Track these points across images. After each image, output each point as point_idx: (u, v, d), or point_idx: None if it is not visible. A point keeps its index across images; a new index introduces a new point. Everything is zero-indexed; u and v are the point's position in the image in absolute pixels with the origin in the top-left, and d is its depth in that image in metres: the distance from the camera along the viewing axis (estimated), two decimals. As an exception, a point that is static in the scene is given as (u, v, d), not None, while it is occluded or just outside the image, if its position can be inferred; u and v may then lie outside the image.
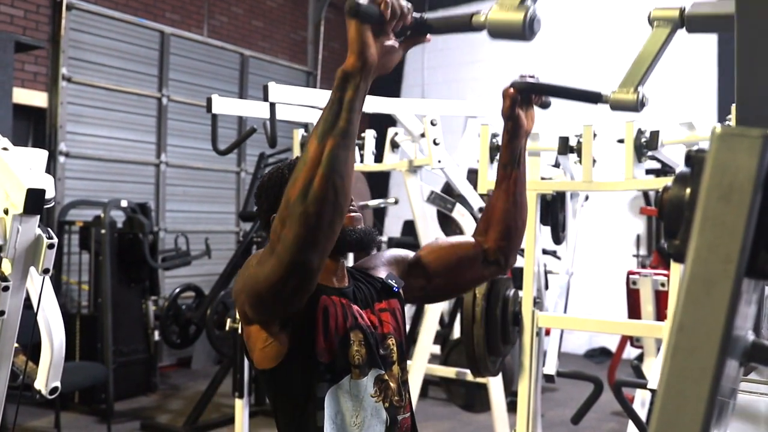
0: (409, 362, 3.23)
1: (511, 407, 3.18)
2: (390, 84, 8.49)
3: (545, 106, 1.52)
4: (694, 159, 0.63)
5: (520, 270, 2.87)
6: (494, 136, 2.97)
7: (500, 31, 1.12)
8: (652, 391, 2.70)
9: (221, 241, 7.23)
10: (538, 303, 2.80)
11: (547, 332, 3.05)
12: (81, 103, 6.20)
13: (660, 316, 3.32)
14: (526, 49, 6.40)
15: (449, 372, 4.16)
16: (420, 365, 3.51)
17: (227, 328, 3.57)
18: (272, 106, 3.14)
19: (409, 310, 5.59)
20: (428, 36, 1.21)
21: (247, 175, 7.53)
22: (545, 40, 7.85)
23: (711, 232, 0.53)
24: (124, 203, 5.48)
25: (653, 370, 3.02)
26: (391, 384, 1.46)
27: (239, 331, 3.37)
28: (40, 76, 5.94)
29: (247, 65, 7.77)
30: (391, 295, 1.55)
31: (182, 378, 6.24)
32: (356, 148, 1.13)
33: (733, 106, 2.48)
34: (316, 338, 1.37)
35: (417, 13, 1.18)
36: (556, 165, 3.38)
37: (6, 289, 1.48)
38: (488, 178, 2.87)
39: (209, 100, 3.46)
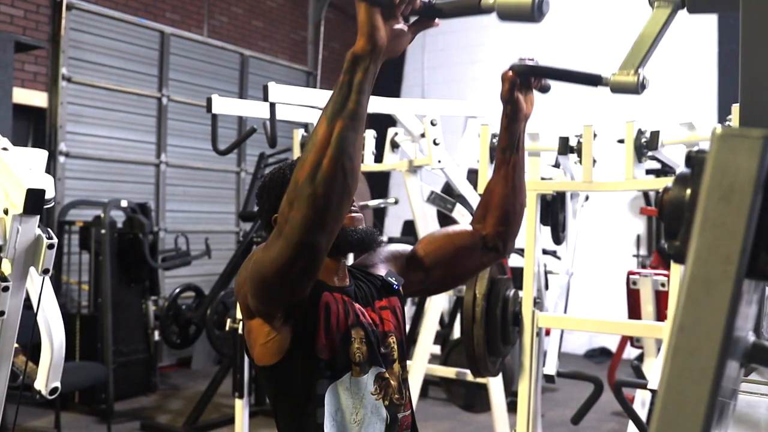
0: (409, 362, 3.23)
1: (511, 407, 3.18)
2: (390, 84, 8.49)
3: (545, 90, 1.51)
4: (694, 160, 0.63)
5: (520, 270, 2.87)
6: (494, 136, 2.96)
7: (509, 13, 1.12)
8: (653, 391, 2.70)
9: (221, 241, 7.23)
10: (538, 303, 2.80)
11: (547, 332, 3.04)
12: (81, 103, 6.20)
13: (660, 316, 3.31)
14: (527, 48, 6.39)
15: (449, 372, 4.16)
16: (420, 365, 3.51)
17: (227, 328, 3.57)
18: (272, 106, 3.14)
19: (409, 310, 5.59)
20: (437, 20, 1.22)
21: (247, 175, 7.53)
22: (546, 37, 7.87)
23: (711, 233, 0.53)
24: (124, 203, 5.47)
25: (653, 370, 3.02)
26: (392, 382, 1.46)
27: (239, 331, 3.37)
28: (40, 76, 5.94)
29: (247, 65, 7.77)
30: (391, 292, 1.56)
31: (182, 378, 6.24)
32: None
33: (734, 106, 2.49)
34: (317, 335, 1.37)
35: None
36: (556, 165, 3.38)
37: (6, 289, 1.48)
38: (488, 179, 2.87)
39: (209, 100, 3.46)
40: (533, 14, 1.09)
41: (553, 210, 3.03)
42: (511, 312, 2.73)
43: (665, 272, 3.38)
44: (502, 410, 3.52)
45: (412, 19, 1.20)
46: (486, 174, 2.91)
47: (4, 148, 1.55)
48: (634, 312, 3.56)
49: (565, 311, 3.29)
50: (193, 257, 5.98)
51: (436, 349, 4.86)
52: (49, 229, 1.53)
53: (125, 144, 6.58)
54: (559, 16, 7.72)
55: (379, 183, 8.04)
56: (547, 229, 3.11)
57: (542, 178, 2.97)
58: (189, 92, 7.10)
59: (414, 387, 3.35)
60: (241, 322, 3.37)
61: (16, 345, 1.59)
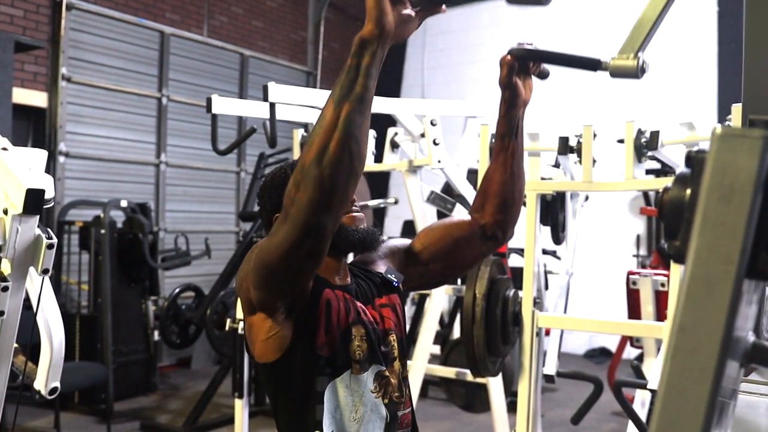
0: (409, 362, 3.23)
1: (511, 407, 3.18)
2: (390, 84, 8.50)
3: (543, 75, 1.50)
4: (694, 160, 0.63)
5: (520, 270, 2.87)
6: (494, 136, 2.97)
7: None
8: (652, 391, 2.70)
9: (221, 241, 7.23)
10: (538, 303, 2.80)
11: (547, 332, 3.04)
12: (81, 103, 6.20)
13: (660, 316, 3.31)
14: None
15: (449, 372, 4.16)
16: (420, 365, 3.51)
17: (227, 328, 3.57)
18: (272, 106, 3.14)
19: (408, 310, 5.60)
20: (443, 7, 1.22)
21: (247, 175, 7.53)
22: (546, 37, 7.86)
23: (711, 233, 0.53)
24: (123, 203, 5.47)
25: (653, 370, 3.02)
26: (392, 380, 1.46)
27: (239, 330, 3.37)
28: (39, 76, 5.94)
29: (247, 65, 7.77)
30: (391, 290, 1.56)
31: (182, 378, 6.24)
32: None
33: (734, 106, 2.48)
34: (317, 331, 1.37)
35: None
36: (556, 165, 3.38)
37: (5, 289, 1.48)
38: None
39: (209, 100, 3.46)
40: None
41: (553, 210, 3.03)
42: (511, 312, 2.73)
43: (665, 272, 3.38)
44: (502, 410, 3.52)
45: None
46: (486, 174, 2.90)
47: (4, 148, 1.55)
48: (634, 312, 3.55)
49: (565, 311, 3.29)
50: (192, 257, 5.98)
51: (436, 349, 4.86)
52: (49, 229, 1.53)
53: (125, 144, 6.58)
54: (559, 16, 7.72)
55: (379, 183, 8.04)
56: (547, 229, 3.11)
57: (542, 178, 2.97)
58: (189, 92, 7.10)
59: (414, 387, 3.35)
60: (241, 322, 3.38)
61: (15, 345, 1.59)
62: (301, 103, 3.40)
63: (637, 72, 1.17)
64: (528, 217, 2.83)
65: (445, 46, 8.70)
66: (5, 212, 1.47)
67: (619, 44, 1.18)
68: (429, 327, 3.60)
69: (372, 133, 3.90)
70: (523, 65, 1.46)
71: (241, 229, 7.41)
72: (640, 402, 3.30)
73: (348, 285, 1.48)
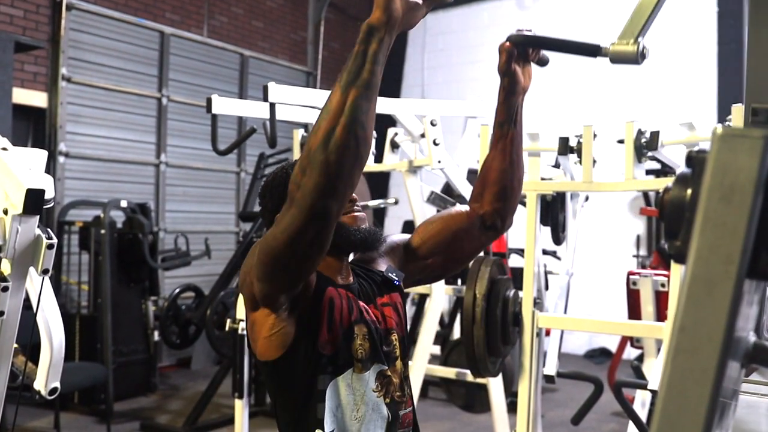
0: (409, 362, 3.23)
1: (511, 408, 3.18)
2: (390, 84, 8.50)
3: (543, 63, 1.49)
4: (695, 160, 0.63)
5: (520, 270, 2.87)
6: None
7: None
8: (653, 391, 2.69)
9: (221, 241, 7.23)
10: (538, 303, 2.80)
11: (547, 333, 3.04)
12: (81, 104, 6.20)
13: (660, 316, 3.31)
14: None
15: (449, 372, 4.16)
16: (420, 365, 3.51)
17: (227, 328, 3.56)
18: (272, 106, 3.14)
19: (409, 310, 5.59)
20: None
21: (247, 175, 7.53)
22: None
23: (712, 233, 0.53)
24: (123, 203, 5.47)
25: (653, 370, 3.02)
26: (394, 379, 1.46)
27: (239, 331, 3.36)
28: (39, 76, 5.94)
29: (247, 65, 7.77)
30: (392, 288, 1.55)
31: (182, 378, 6.23)
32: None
33: (734, 106, 2.48)
34: (320, 329, 1.37)
35: None
36: (556, 165, 3.38)
37: (5, 289, 1.48)
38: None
39: (209, 101, 3.46)
40: None
41: (553, 210, 3.03)
42: (511, 312, 2.73)
43: (665, 272, 3.38)
44: (502, 411, 3.51)
45: None
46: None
47: (4, 148, 1.55)
48: (634, 312, 3.55)
49: (565, 311, 3.29)
50: (192, 257, 5.98)
51: (436, 350, 4.86)
52: (49, 229, 1.53)
53: (125, 144, 6.58)
54: (559, 16, 7.72)
55: (379, 183, 8.04)
56: (547, 230, 3.11)
57: (542, 179, 2.97)
58: (189, 92, 7.10)
59: (414, 388, 3.35)
60: (241, 323, 3.38)
61: (15, 345, 1.59)
62: (301, 104, 3.40)
63: (637, 57, 1.16)
64: (528, 217, 2.83)
65: (445, 46, 8.70)
66: (5, 212, 1.47)
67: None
68: (429, 327, 3.59)
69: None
70: (522, 52, 1.45)
71: (241, 229, 7.41)
72: (641, 402, 3.30)
73: (350, 284, 1.48)
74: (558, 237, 3.14)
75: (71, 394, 5.01)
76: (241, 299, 3.42)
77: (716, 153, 0.54)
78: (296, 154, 3.74)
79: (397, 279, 1.55)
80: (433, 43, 8.77)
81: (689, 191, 0.64)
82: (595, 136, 2.78)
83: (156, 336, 5.55)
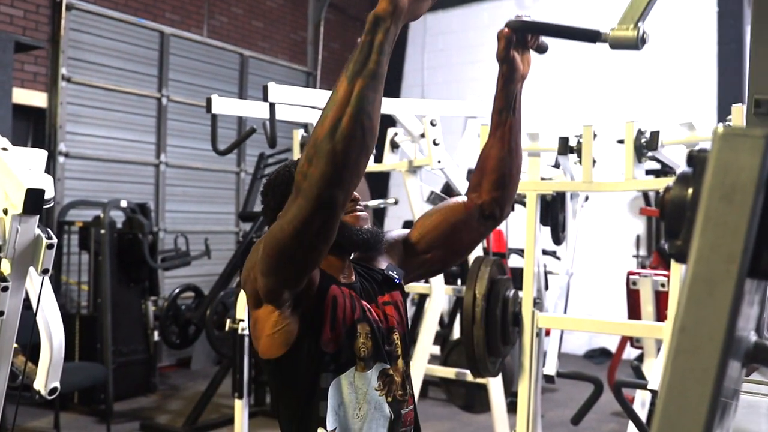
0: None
1: (511, 408, 3.18)
2: (390, 84, 8.49)
3: (542, 50, 1.48)
4: (696, 159, 0.63)
5: (520, 270, 2.87)
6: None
7: None
8: (653, 391, 2.69)
9: (221, 241, 7.23)
10: (538, 303, 2.80)
11: (547, 333, 3.04)
12: (80, 104, 6.20)
13: (660, 316, 3.31)
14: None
15: (449, 372, 4.16)
16: (420, 366, 3.50)
17: (227, 328, 3.56)
18: (272, 106, 3.14)
19: (409, 310, 5.59)
20: None
21: (246, 175, 7.53)
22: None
23: (713, 232, 0.53)
24: (123, 203, 5.47)
25: (653, 370, 3.02)
26: (396, 378, 1.46)
27: (239, 331, 3.37)
28: (39, 76, 5.94)
29: (247, 65, 7.77)
30: (393, 287, 1.55)
31: (182, 378, 6.23)
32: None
33: (734, 106, 2.48)
34: (323, 327, 1.37)
35: None
36: (556, 165, 3.38)
37: (5, 289, 1.48)
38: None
39: (209, 101, 3.46)
40: None
41: (553, 210, 3.03)
42: (511, 312, 2.73)
43: (665, 272, 3.38)
44: (502, 411, 3.51)
45: None
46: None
47: (4, 148, 1.55)
48: (634, 312, 3.55)
49: (565, 311, 3.29)
50: (192, 257, 5.98)
51: (436, 350, 4.86)
52: (49, 229, 1.53)
53: (125, 144, 6.58)
54: (559, 15, 7.71)
55: (379, 183, 8.04)
56: (547, 230, 3.11)
57: (542, 179, 2.97)
58: (189, 92, 7.10)
59: (414, 388, 3.35)
60: (241, 323, 3.37)
61: (15, 345, 1.59)
62: (301, 104, 3.40)
63: (637, 42, 1.15)
64: (528, 217, 2.83)
65: (445, 46, 8.70)
66: (5, 212, 1.47)
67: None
68: (429, 327, 3.59)
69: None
70: (521, 38, 1.44)
71: (241, 229, 7.41)
72: (640, 402, 3.30)
73: (353, 283, 1.48)
74: (558, 237, 3.14)
75: (71, 394, 5.01)
76: (241, 299, 3.42)
77: (717, 152, 0.54)
78: (296, 154, 3.74)
79: (397, 277, 1.55)
80: (433, 43, 8.77)
81: (690, 190, 0.64)
82: (595, 136, 2.78)
83: (156, 336, 5.55)
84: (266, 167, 5.64)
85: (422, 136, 3.53)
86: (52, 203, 1.53)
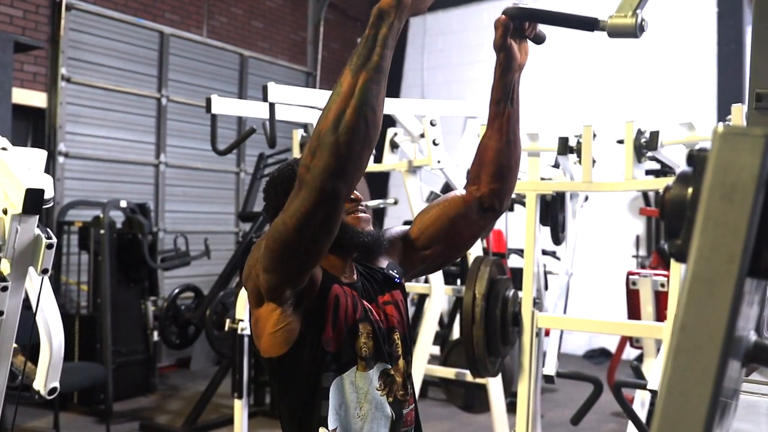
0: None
1: (511, 408, 3.18)
2: (390, 84, 8.48)
3: (539, 40, 1.46)
4: (696, 158, 0.63)
5: (520, 270, 2.87)
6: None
7: None
8: (652, 391, 2.69)
9: (220, 241, 7.23)
10: (537, 303, 2.80)
11: (547, 333, 3.04)
12: (80, 104, 6.20)
13: (660, 316, 3.31)
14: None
15: (449, 373, 4.15)
16: (420, 366, 3.50)
17: (226, 328, 3.57)
18: (272, 106, 3.14)
19: (408, 310, 5.59)
20: None
21: (246, 175, 7.53)
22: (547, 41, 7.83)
23: (713, 232, 0.53)
24: (123, 203, 5.47)
25: (653, 370, 3.02)
26: (397, 378, 1.46)
27: (238, 331, 3.36)
28: (39, 76, 5.94)
29: (247, 66, 7.77)
30: (393, 286, 1.55)
31: (181, 378, 6.23)
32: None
33: (733, 106, 2.48)
34: (324, 326, 1.37)
35: None
36: (556, 165, 3.38)
37: (5, 289, 1.48)
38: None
39: (209, 101, 3.46)
40: None
41: (553, 210, 3.03)
42: (511, 312, 2.73)
43: (665, 272, 3.38)
44: (502, 411, 3.51)
45: None
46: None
47: (4, 148, 1.55)
48: (634, 312, 3.55)
49: (565, 311, 3.30)
50: (192, 258, 5.98)
51: (436, 350, 4.86)
52: (48, 229, 1.53)
53: (124, 144, 6.58)
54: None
55: (379, 183, 8.04)
56: (547, 230, 3.12)
57: (542, 179, 2.97)
58: (188, 92, 7.10)
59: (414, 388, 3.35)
60: (240, 323, 3.37)
61: (15, 345, 1.59)
62: (301, 104, 3.41)
63: (636, 30, 1.14)
64: (528, 217, 2.83)
65: (444, 47, 8.70)
66: (5, 212, 1.47)
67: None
68: (429, 327, 3.59)
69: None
70: (518, 27, 1.42)
71: (240, 229, 7.40)
72: (640, 402, 3.30)
73: (355, 282, 1.48)
74: (557, 237, 3.15)
75: (71, 394, 5.00)
76: (240, 299, 3.42)
77: (717, 151, 0.54)
78: (296, 154, 3.74)
79: (398, 277, 1.55)
80: (433, 44, 8.77)
81: (690, 190, 0.63)
82: (594, 136, 2.78)
83: (155, 336, 5.55)
84: (266, 167, 5.64)
85: (422, 136, 3.54)
86: (52, 203, 1.53)
